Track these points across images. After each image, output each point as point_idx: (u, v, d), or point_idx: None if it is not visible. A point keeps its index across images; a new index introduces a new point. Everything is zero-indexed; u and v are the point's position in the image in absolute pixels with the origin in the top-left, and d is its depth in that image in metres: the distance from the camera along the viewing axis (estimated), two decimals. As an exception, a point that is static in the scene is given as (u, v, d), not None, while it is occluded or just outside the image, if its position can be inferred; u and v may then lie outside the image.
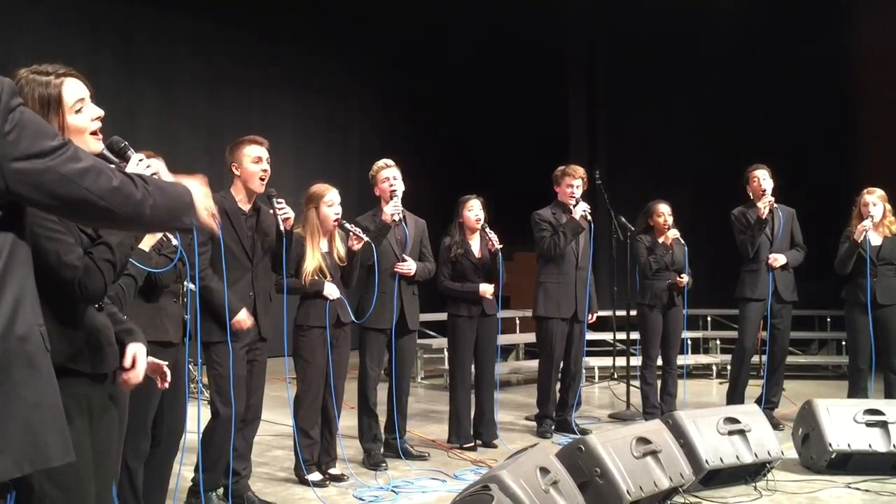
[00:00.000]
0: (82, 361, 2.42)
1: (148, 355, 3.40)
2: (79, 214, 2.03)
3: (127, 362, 2.73)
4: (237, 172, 4.69)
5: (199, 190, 2.27)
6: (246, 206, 4.72)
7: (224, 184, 4.86)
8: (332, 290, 5.20)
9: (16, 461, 1.87)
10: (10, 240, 1.93)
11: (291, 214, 4.74)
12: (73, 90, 2.44)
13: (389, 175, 5.79)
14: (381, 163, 5.87)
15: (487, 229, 6.22)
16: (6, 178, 1.84)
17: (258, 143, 4.65)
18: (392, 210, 5.67)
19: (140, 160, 2.70)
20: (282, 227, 4.71)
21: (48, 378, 1.95)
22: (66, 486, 2.24)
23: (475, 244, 6.30)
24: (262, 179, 4.67)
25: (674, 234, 7.01)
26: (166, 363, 3.47)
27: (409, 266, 5.84)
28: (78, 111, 2.44)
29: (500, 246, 6.21)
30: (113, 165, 2.07)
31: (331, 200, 5.22)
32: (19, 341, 1.89)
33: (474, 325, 6.24)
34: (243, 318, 4.59)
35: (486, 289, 6.16)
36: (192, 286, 4.42)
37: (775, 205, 6.84)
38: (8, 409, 1.85)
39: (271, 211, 4.73)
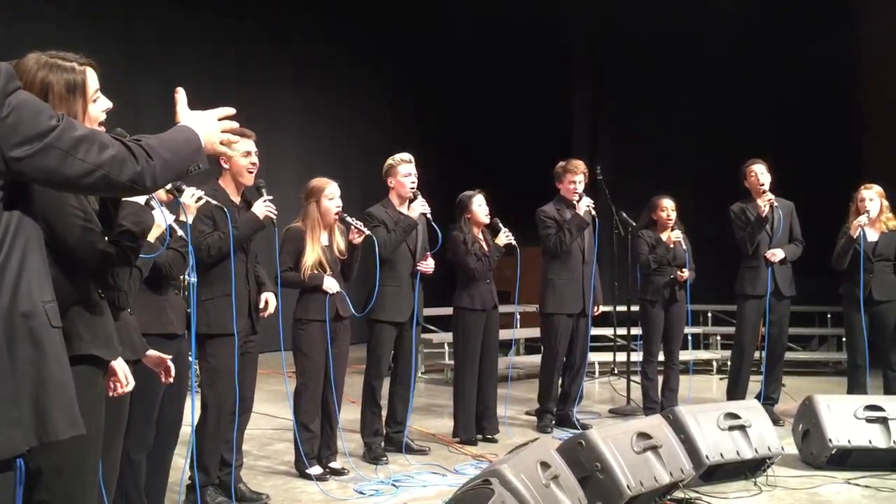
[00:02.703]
0: (101, 348, 2.46)
1: (152, 348, 3.43)
2: (79, 187, 2.03)
3: (124, 381, 2.82)
4: (226, 165, 4.68)
5: (204, 125, 2.26)
6: (237, 199, 4.74)
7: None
8: (331, 284, 5.20)
9: (24, 436, 1.89)
10: (16, 218, 1.95)
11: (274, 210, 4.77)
12: (93, 80, 2.49)
13: (411, 171, 5.83)
14: (405, 156, 5.88)
15: (500, 223, 6.29)
16: (7, 162, 1.87)
17: (246, 135, 4.60)
18: (421, 208, 5.72)
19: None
20: (274, 221, 4.75)
21: (53, 354, 1.97)
22: (68, 475, 2.25)
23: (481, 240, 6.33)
24: (250, 172, 4.68)
25: (677, 235, 7.00)
26: (170, 357, 3.49)
27: (430, 265, 5.90)
28: (94, 101, 2.49)
29: (513, 242, 6.29)
30: (109, 134, 2.08)
31: (331, 194, 5.23)
32: (22, 318, 1.92)
33: (483, 319, 6.25)
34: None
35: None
36: (192, 278, 4.44)
37: (774, 201, 6.83)
38: (15, 386, 1.88)
39: (263, 201, 4.72)
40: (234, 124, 2.35)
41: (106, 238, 2.54)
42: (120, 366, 2.85)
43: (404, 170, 5.82)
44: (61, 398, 1.97)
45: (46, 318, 1.97)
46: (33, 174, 1.92)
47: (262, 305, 4.80)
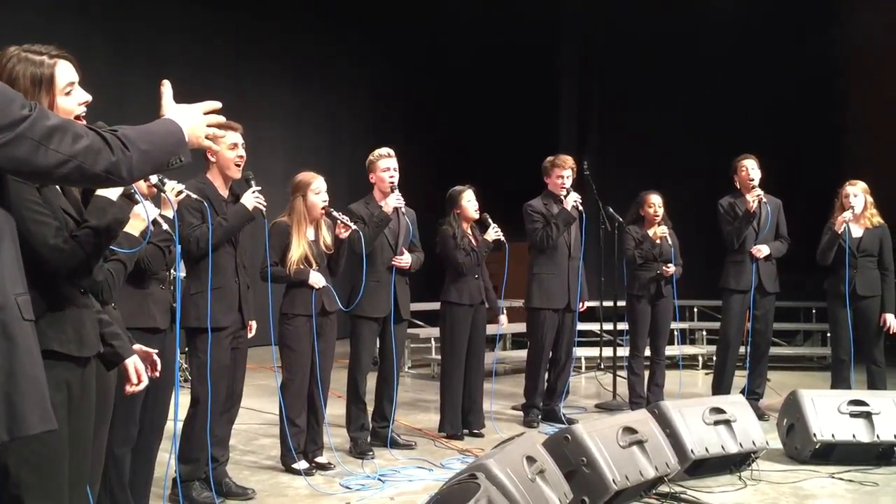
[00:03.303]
0: (66, 344, 2.42)
1: (136, 343, 3.40)
2: (53, 178, 1.99)
3: (133, 378, 2.86)
4: (213, 159, 4.65)
5: (189, 119, 2.23)
6: (224, 192, 4.71)
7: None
8: (317, 279, 5.19)
9: None
10: None
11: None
12: (65, 73, 2.45)
13: (390, 165, 5.79)
14: (382, 151, 5.85)
15: (489, 219, 6.29)
16: None
17: (233, 128, 4.55)
18: (395, 202, 5.68)
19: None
20: (263, 213, 4.73)
21: (25, 348, 1.94)
22: (41, 469, 2.23)
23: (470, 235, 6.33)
24: (237, 165, 4.66)
25: (662, 231, 7.02)
26: (156, 351, 3.46)
27: (406, 260, 5.86)
28: (67, 94, 2.45)
29: (502, 238, 6.30)
30: (83, 124, 2.05)
31: (318, 188, 5.20)
32: None
33: (471, 314, 6.25)
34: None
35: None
36: (180, 274, 4.42)
37: (763, 197, 6.86)
38: None
39: (251, 192, 4.70)
40: (221, 118, 2.32)
41: (66, 233, 2.49)
42: (132, 363, 2.84)
43: (383, 164, 5.80)
44: (33, 392, 1.94)
45: (18, 310, 1.94)
46: (5, 164, 1.88)
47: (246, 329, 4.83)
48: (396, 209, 5.77)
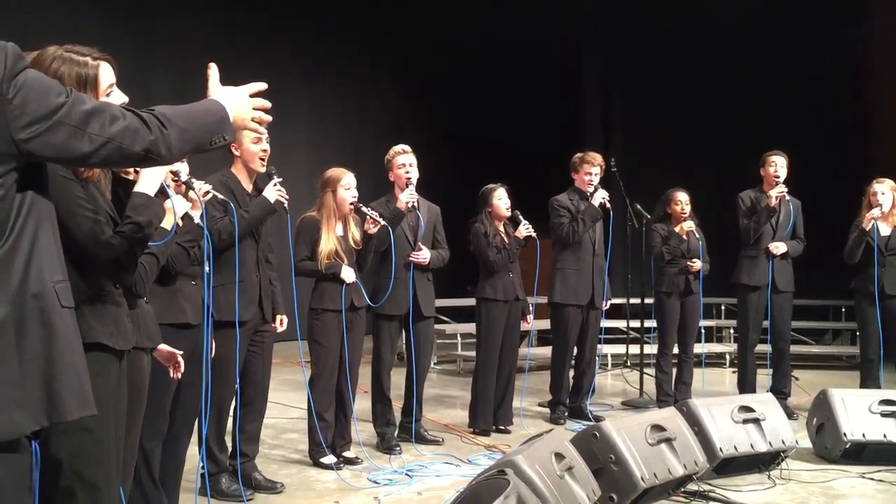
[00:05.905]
0: (111, 337, 2.46)
1: (166, 338, 3.43)
2: (93, 161, 1.99)
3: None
4: (237, 153, 4.68)
5: (234, 100, 2.23)
6: (248, 186, 4.74)
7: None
8: (348, 274, 5.21)
9: (34, 416, 1.89)
10: (29, 198, 1.94)
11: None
12: (107, 74, 2.50)
13: (406, 161, 5.79)
14: (397, 148, 5.86)
15: (520, 216, 6.28)
16: (17, 144, 1.86)
17: None
18: (407, 198, 5.67)
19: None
20: (285, 206, 4.75)
21: (64, 334, 1.97)
22: (92, 460, 2.26)
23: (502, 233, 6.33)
24: (262, 159, 4.68)
25: (689, 226, 6.96)
26: (181, 353, 3.47)
27: (423, 255, 5.85)
28: (108, 95, 2.49)
29: (533, 234, 6.28)
30: (120, 105, 2.07)
31: (347, 184, 5.23)
32: (33, 299, 1.91)
33: (506, 310, 6.24)
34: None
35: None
36: (206, 268, 4.44)
37: (786, 194, 6.80)
38: (25, 366, 1.88)
39: (273, 185, 4.71)
40: (267, 103, 2.32)
41: (113, 229, 2.54)
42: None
43: (400, 161, 5.80)
44: (72, 378, 1.97)
45: (57, 298, 1.96)
46: (45, 152, 1.90)
47: (276, 323, 4.84)
48: (413, 205, 5.76)
